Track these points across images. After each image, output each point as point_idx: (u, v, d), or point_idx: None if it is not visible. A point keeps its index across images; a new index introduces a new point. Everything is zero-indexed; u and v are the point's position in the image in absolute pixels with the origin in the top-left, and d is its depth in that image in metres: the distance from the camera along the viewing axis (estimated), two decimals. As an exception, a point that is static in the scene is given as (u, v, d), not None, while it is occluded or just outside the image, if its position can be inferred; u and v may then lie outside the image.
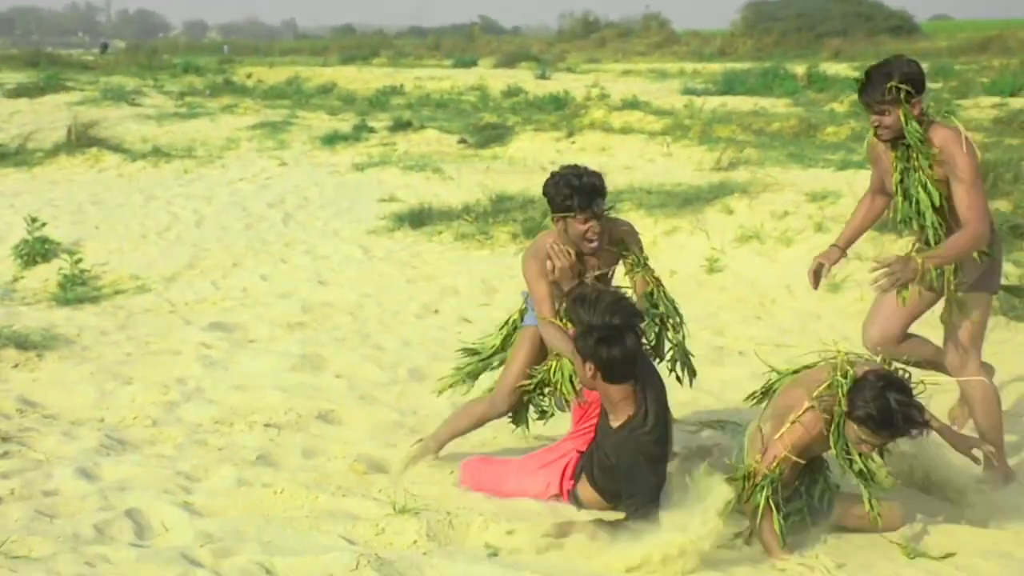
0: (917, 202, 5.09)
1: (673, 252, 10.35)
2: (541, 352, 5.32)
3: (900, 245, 9.45)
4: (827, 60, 41.34)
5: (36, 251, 10.26)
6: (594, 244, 5.17)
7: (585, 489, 5.00)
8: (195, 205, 13.59)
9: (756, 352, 6.08)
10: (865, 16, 58.40)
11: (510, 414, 5.51)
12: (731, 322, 8.68)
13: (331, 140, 18.87)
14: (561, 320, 5.12)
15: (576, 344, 4.73)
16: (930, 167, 5.01)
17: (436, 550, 4.57)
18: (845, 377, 4.44)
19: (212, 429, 6.18)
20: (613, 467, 4.77)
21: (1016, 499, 5.07)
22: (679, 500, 4.44)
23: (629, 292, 5.24)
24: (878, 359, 4.91)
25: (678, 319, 5.38)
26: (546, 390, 5.30)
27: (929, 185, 5.03)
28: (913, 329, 5.53)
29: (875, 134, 5.27)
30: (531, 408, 5.47)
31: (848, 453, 4.41)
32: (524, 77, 35.55)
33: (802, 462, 4.50)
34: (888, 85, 5.05)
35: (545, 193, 5.26)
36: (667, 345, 5.36)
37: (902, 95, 5.00)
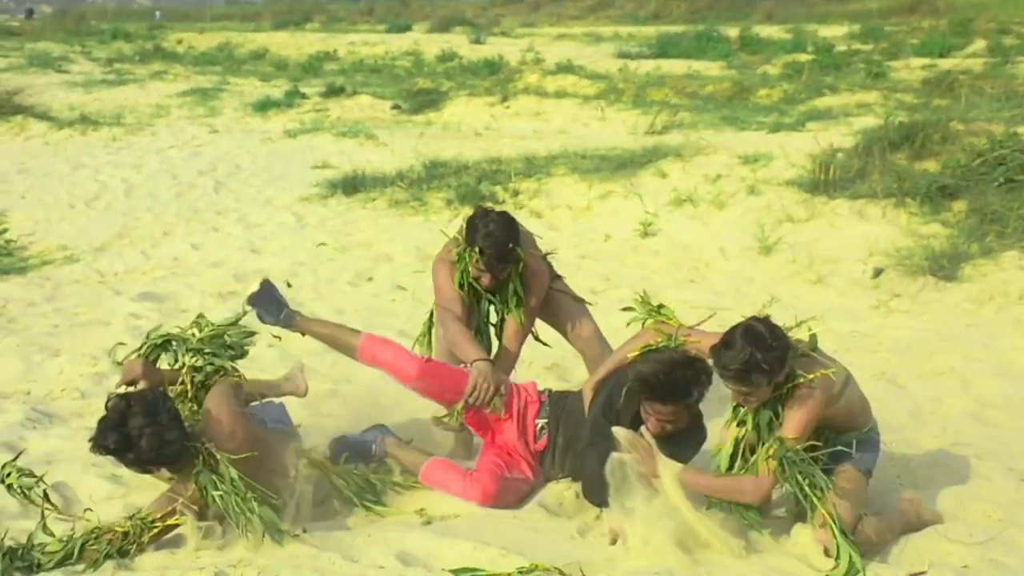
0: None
1: (607, 216, 10.36)
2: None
3: (832, 207, 9.54)
4: (760, 23, 41.52)
5: (-37, 228, 10.09)
6: (485, 284, 5.28)
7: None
8: (124, 174, 13.39)
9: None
10: (797, -22, 58.65)
11: None
12: (665, 286, 8.69)
13: (263, 106, 18.68)
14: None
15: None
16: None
17: (371, 520, 4.55)
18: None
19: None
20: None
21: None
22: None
23: None
24: None
25: None
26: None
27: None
28: None
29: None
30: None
31: None
32: (458, 42, 35.35)
33: None
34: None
35: (470, 224, 5.25)
36: None
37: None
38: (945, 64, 21.81)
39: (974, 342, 7.17)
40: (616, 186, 10.68)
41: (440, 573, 3.97)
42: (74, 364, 6.63)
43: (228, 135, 16.34)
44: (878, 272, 8.53)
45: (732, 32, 32.05)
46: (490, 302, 5.44)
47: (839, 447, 4.36)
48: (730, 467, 4.34)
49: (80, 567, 4.08)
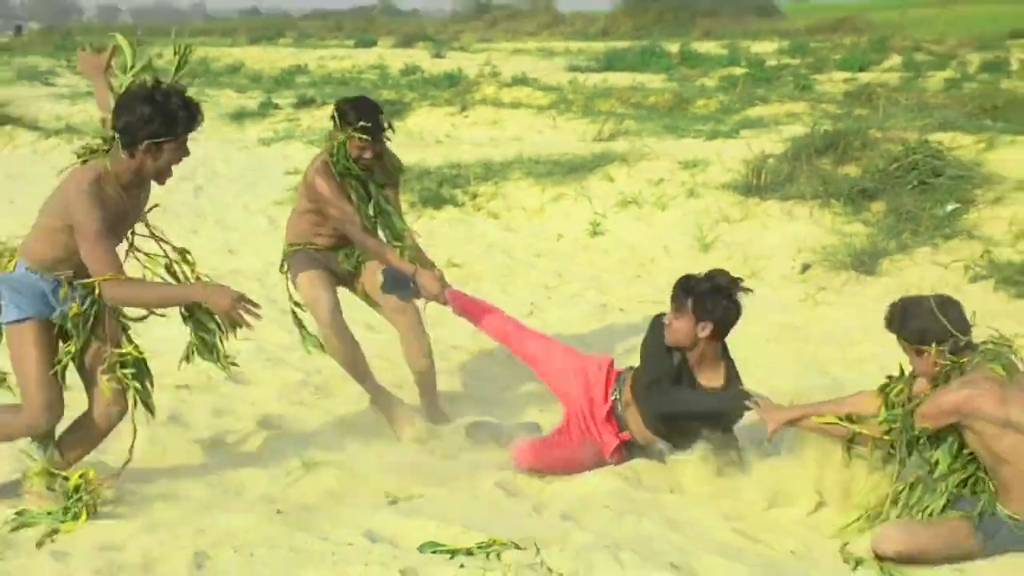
0: None
1: (559, 218, 10.38)
2: None
3: (764, 208, 9.60)
4: (698, 39, 41.66)
5: (-46, 226, 9.90)
6: (369, 157, 5.39)
7: (634, 418, 4.85)
8: (109, 180, 13.23)
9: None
10: (733, -1, 59.10)
11: None
12: (613, 282, 8.72)
13: (239, 116, 18.53)
14: None
15: (700, 304, 4.64)
16: None
17: (340, 501, 4.53)
18: None
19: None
20: (685, 418, 4.69)
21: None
22: None
23: None
24: None
25: None
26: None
27: None
28: None
29: None
30: None
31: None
32: (421, 56, 35.19)
33: None
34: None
35: (339, 113, 5.42)
36: None
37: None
38: (864, 78, 22.00)
39: (893, 331, 7.23)
40: (567, 189, 10.69)
41: (405, 550, 3.95)
42: (62, 358, 6.52)
43: (206, 143, 16.15)
44: (806, 267, 8.61)
45: (673, 48, 32.12)
46: (367, 192, 5.52)
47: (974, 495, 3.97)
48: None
49: None
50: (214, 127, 17.81)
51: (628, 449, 4.92)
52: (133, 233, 4.59)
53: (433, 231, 10.04)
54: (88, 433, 4.44)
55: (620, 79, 23.50)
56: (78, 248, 4.10)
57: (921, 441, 4.14)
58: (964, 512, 3.97)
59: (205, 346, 4.48)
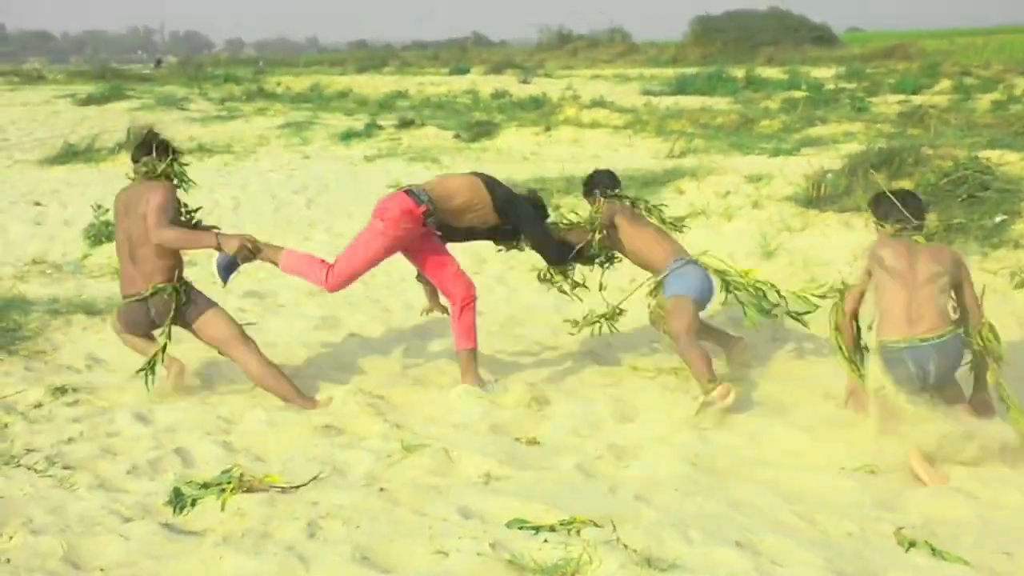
0: None
1: (634, 227, 10.29)
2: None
3: (823, 218, 9.43)
4: (762, 65, 41.16)
5: (101, 233, 10.14)
6: None
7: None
8: (233, 192, 13.47)
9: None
10: (793, 28, 58.29)
11: None
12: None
13: (347, 136, 18.73)
14: None
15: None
16: None
17: (436, 480, 4.54)
18: None
19: (247, 380, 6.11)
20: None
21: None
22: None
23: None
24: None
25: None
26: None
27: None
28: None
29: None
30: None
31: None
32: (509, 82, 35.33)
33: None
34: None
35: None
36: None
37: None
38: (917, 100, 21.53)
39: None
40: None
41: (494, 525, 3.95)
42: (192, 350, 6.63)
43: (318, 160, 16.41)
44: (862, 273, 8.43)
45: (739, 73, 31.78)
46: None
47: None
48: None
49: None
50: (324, 146, 18.06)
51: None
52: None
53: (519, 239, 10.03)
54: None
55: (690, 102, 23.31)
56: None
57: None
58: None
59: None
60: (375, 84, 37.18)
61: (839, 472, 4.64)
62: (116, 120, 22.34)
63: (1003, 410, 4.77)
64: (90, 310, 7.37)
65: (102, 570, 3.69)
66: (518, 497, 4.17)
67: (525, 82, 35.99)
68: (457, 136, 18.22)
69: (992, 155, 9.74)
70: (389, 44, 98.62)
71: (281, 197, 13.06)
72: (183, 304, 5.62)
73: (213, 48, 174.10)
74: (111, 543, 3.85)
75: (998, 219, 8.63)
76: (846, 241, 8.96)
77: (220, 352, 5.77)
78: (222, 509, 4.14)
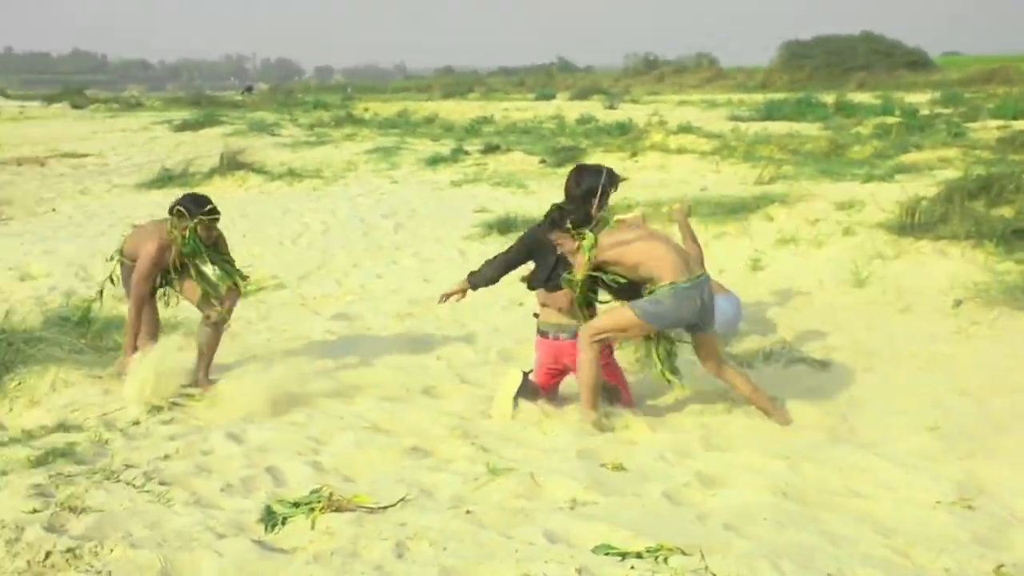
0: None
1: (722, 253, 10.21)
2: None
3: (917, 246, 9.25)
4: (853, 91, 40.58)
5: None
6: (209, 238, 6.43)
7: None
8: (322, 217, 13.74)
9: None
10: (885, 52, 57.22)
11: None
12: (772, 313, 8.53)
13: (434, 161, 18.96)
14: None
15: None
16: None
17: (523, 504, 4.56)
18: None
19: (337, 402, 6.22)
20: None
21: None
22: None
23: None
24: None
25: None
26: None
27: None
28: None
29: None
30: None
31: None
32: (595, 107, 35.42)
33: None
34: None
35: (185, 207, 6.35)
36: None
37: None
38: (1018, 125, 20.96)
39: (1047, 363, 6.85)
40: (730, 228, 10.54)
41: (581, 550, 3.95)
42: (283, 372, 6.77)
43: (405, 185, 16.64)
44: (958, 303, 8.22)
45: (828, 99, 31.38)
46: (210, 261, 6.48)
47: None
48: None
49: None
50: (412, 171, 18.31)
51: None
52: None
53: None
54: None
55: (778, 127, 23.08)
56: None
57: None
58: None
59: None
60: (461, 110, 37.60)
61: (935, 506, 4.53)
62: (210, 145, 22.98)
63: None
64: (184, 330, 7.58)
65: (197, 584, 3.79)
66: (604, 522, 4.17)
67: (611, 107, 36.03)
68: (543, 161, 18.31)
69: (1096, 182, 9.45)
70: (475, 70, 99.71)
71: (370, 221, 13.27)
72: None
73: (303, 75, 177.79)
74: (206, 558, 3.95)
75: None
76: (943, 269, 8.77)
77: None
78: (312, 528, 4.22)
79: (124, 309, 8.45)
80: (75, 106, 46.78)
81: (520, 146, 20.59)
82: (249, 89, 64.80)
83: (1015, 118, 23.32)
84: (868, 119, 24.65)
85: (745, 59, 77.01)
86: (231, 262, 6.57)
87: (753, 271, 9.67)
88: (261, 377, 6.29)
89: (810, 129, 22.69)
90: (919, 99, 32.02)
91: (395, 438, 5.50)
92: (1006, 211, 9.43)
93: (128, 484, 4.70)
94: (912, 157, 15.65)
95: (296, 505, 4.38)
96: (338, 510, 4.34)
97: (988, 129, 20.77)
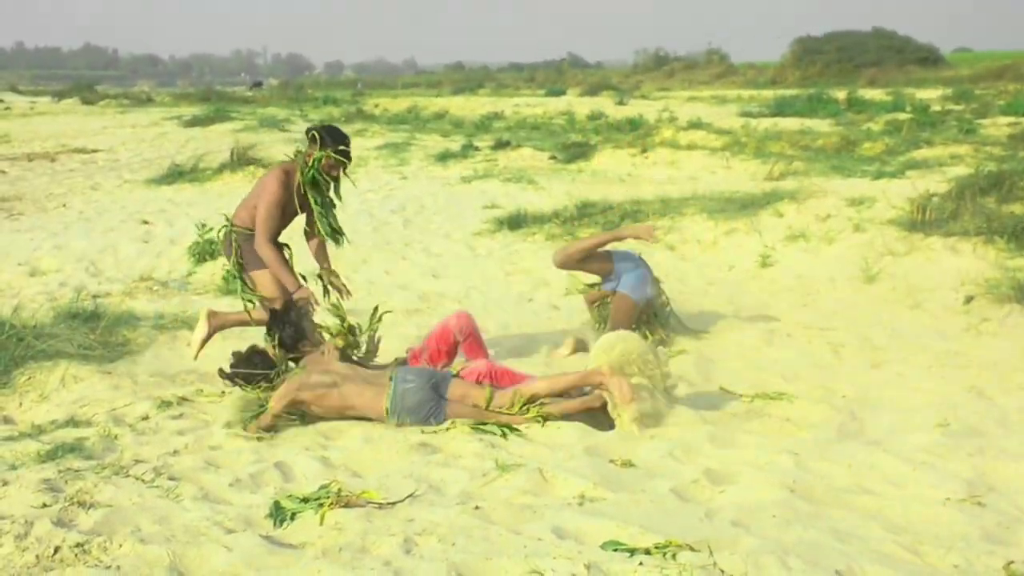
0: None
1: (731, 249, 10.21)
2: None
3: (928, 243, 9.22)
4: (864, 87, 40.44)
5: (205, 251, 10.46)
6: (337, 174, 6.51)
7: None
8: (332, 212, 13.72)
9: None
10: (896, 49, 57.02)
11: None
12: (781, 309, 8.52)
13: (443, 157, 18.97)
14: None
15: None
16: None
17: (532, 500, 4.56)
18: None
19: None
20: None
21: None
22: None
23: None
24: None
25: None
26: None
27: None
28: None
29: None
30: None
31: None
32: (605, 104, 35.39)
33: None
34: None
35: (319, 137, 6.23)
36: None
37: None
38: (1029, 121, 20.91)
39: (1057, 361, 6.83)
40: (739, 224, 10.52)
41: (589, 546, 3.95)
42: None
43: (415, 181, 16.65)
44: (969, 299, 8.20)
45: (840, 95, 31.28)
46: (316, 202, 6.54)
47: None
48: None
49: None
50: (422, 167, 18.31)
51: None
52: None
53: (615, 261, 10.03)
54: None
55: (789, 124, 23.03)
56: None
57: None
58: None
59: None
60: (471, 106, 37.60)
61: (944, 503, 4.52)
62: (220, 141, 23.02)
63: None
64: (194, 326, 7.59)
65: (205, 579, 3.80)
66: (613, 519, 4.17)
67: (621, 104, 36.00)
68: (553, 157, 18.30)
69: (1109, 178, 9.41)
70: (485, 66, 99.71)
71: (379, 217, 13.28)
72: None
73: (313, 70, 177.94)
74: (215, 553, 3.96)
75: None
76: (954, 266, 8.75)
77: None
78: (320, 523, 4.22)
79: (134, 305, 8.49)
80: (85, 102, 46.95)
81: (530, 142, 20.59)
82: (259, 85, 64.94)
83: (1026, 114, 23.23)
84: (879, 115, 24.58)
85: (756, 55, 76.80)
86: (334, 216, 6.56)
87: (763, 267, 9.66)
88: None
89: (821, 125, 22.63)
90: (930, 95, 31.91)
91: (403, 434, 5.50)
92: (1017, 208, 9.40)
93: (137, 479, 4.72)
94: (923, 153, 15.60)
95: (305, 500, 4.39)
96: (347, 506, 4.35)
97: (999, 125, 20.70)
